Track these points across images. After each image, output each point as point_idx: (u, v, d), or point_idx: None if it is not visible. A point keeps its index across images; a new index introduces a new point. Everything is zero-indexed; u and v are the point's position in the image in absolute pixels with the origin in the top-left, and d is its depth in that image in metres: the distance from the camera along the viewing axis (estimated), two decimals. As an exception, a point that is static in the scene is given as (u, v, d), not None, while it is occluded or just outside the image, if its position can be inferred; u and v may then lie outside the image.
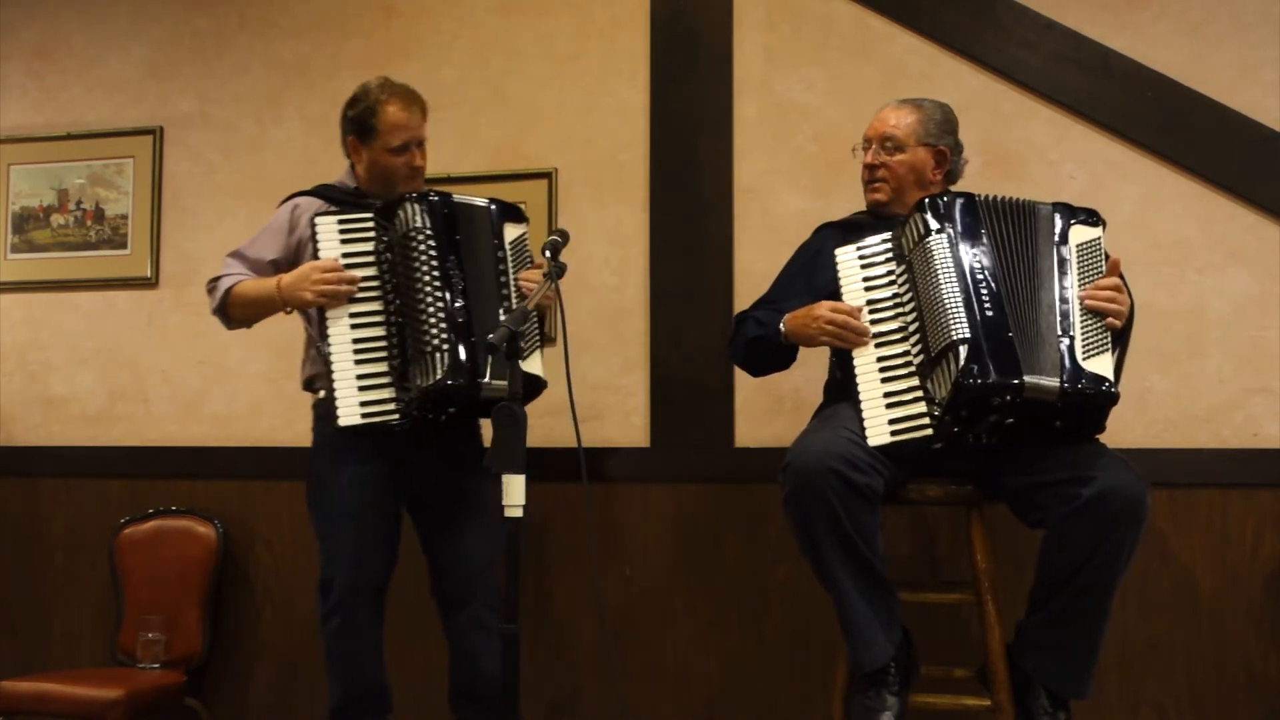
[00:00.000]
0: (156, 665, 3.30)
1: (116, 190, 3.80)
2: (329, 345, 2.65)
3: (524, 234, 2.81)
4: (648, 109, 3.42)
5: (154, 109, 3.80)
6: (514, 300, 2.71)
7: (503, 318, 2.68)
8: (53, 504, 3.71)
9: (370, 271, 2.68)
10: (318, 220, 2.71)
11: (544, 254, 2.48)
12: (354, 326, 2.66)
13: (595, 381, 3.36)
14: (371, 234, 2.69)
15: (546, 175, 3.46)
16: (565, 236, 2.59)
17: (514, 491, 2.14)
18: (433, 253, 2.63)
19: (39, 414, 3.80)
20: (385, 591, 2.80)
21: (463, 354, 2.58)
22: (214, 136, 3.74)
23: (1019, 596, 2.54)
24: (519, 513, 2.14)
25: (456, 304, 2.62)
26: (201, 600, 3.43)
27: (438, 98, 3.53)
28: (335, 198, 2.84)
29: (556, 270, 2.46)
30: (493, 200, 2.81)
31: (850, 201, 2.98)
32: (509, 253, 2.75)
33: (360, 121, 2.80)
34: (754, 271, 3.22)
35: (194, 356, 3.68)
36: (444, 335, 2.58)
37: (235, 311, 2.82)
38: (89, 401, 3.76)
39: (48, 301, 3.83)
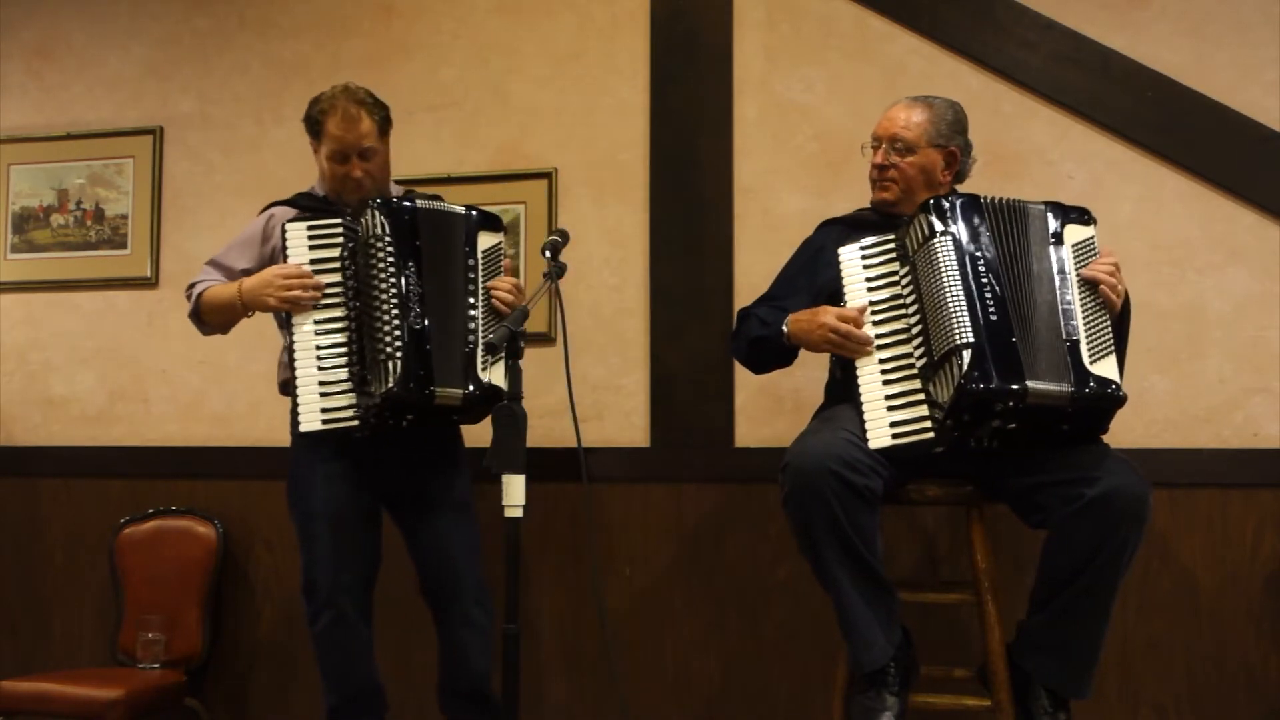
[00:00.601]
0: (156, 665, 3.30)
1: (116, 190, 3.80)
2: (293, 350, 2.67)
3: (499, 243, 2.79)
4: (648, 109, 3.42)
5: (154, 109, 3.80)
6: (480, 307, 2.70)
7: (475, 319, 2.68)
8: (53, 504, 3.71)
9: (336, 277, 2.68)
10: (288, 226, 2.72)
11: (544, 254, 2.49)
12: (317, 333, 2.67)
13: (595, 381, 3.36)
14: (339, 240, 2.69)
15: (546, 175, 3.46)
16: (565, 236, 2.60)
17: (514, 491, 2.14)
18: (390, 259, 2.63)
19: (39, 414, 3.80)
20: (371, 589, 2.80)
21: (415, 362, 2.58)
22: (214, 136, 3.74)
23: (1019, 596, 2.54)
24: (519, 513, 2.15)
25: (413, 311, 2.61)
26: (201, 600, 3.43)
27: (438, 98, 3.57)
28: (309, 206, 2.86)
29: (556, 270, 2.46)
30: (470, 207, 2.80)
31: (850, 201, 2.98)
32: (480, 261, 2.74)
33: (310, 123, 2.83)
34: (754, 271, 3.22)
35: (194, 356, 3.68)
36: (397, 343, 2.58)
37: (206, 317, 2.86)
38: (89, 401, 3.76)
39: (48, 301, 3.82)
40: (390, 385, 2.56)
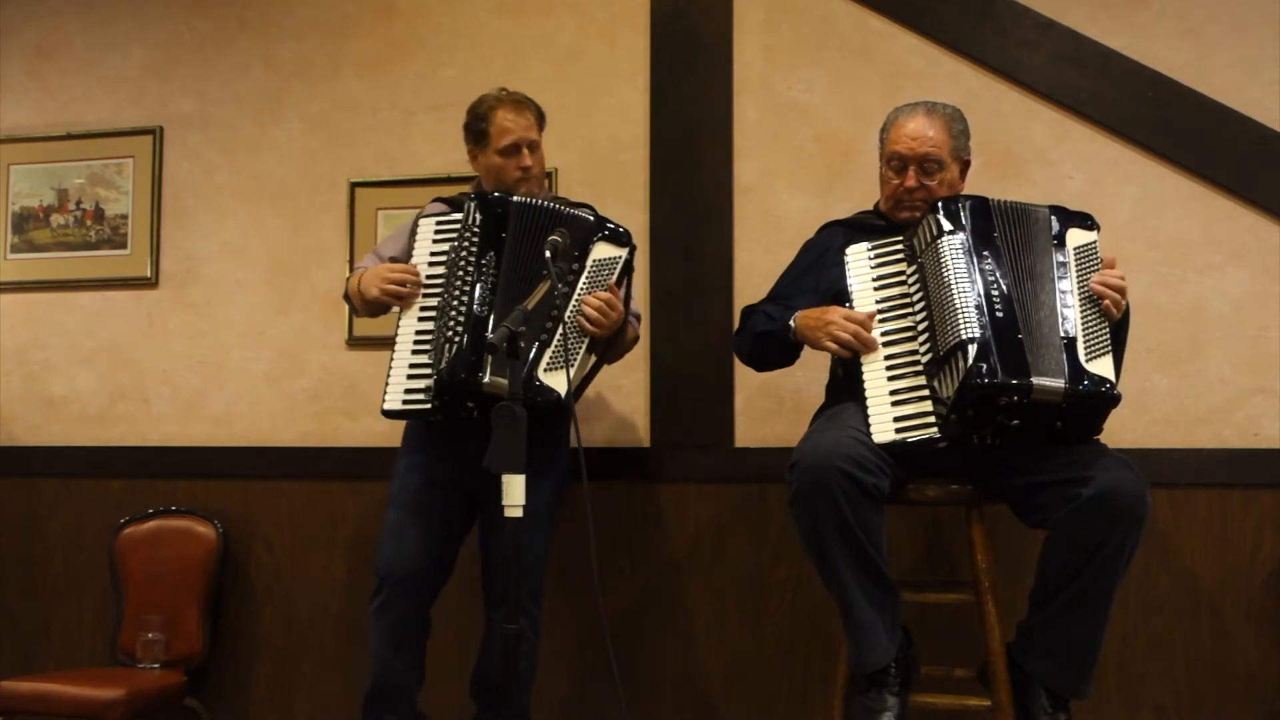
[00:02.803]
0: (156, 665, 3.30)
1: (116, 190, 3.80)
2: (396, 335, 2.74)
3: (617, 257, 2.74)
4: (648, 109, 3.42)
5: (154, 109, 3.80)
6: (567, 314, 2.65)
7: (557, 320, 2.67)
8: (53, 504, 3.71)
9: (441, 269, 2.74)
10: (420, 220, 2.82)
11: (544, 254, 2.48)
12: (420, 319, 2.73)
13: (595, 381, 3.36)
14: (455, 235, 2.75)
15: (547, 175, 3.45)
16: (565, 236, 2.59)
17: (514, 491, 2.14)
18: (474, 248, 2.69)
19: (39, 414, 3.80)
20: (430, 589, 2.83)
21: (468, 349, 2.60)
22: (214, 136, 3.74)
23: (1019, 596, 2.54)
24: (519, 513, 2.15)
25: (481, 299, 2.65)
26: (201, 600, 3.43)
27: (438, 98, 3.57)
28: (453, 201, 2.91)
29: (557, 270, 2.46)
30: (598, 216, 2.79)
31: (850, 201, 2.98)
32: (588, 268, 2.72)
33: (473, 128, 2.91)
34: (754, 271, 3.23)
35: (194, 356, 3.68)
36: (460, 328, 2.63)
37: (352, 299, 2.93)
38: (89, 401, 3.76)
39: (48, 301, 3.82)
40: (442, 368, 2.60)
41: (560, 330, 2.63)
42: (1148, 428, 3.06)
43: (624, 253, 2.77)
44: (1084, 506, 2.31)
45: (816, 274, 2.75)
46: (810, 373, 3.00)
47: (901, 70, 3.27)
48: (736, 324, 2.90)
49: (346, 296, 2.97)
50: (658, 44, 3.42)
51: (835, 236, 2.77)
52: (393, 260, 2.90)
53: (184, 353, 3.69)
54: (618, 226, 2.79)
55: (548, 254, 2.45)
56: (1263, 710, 2.92)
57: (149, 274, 3.74)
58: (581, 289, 2.70)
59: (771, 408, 3.26)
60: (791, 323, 2.63)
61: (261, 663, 3.51)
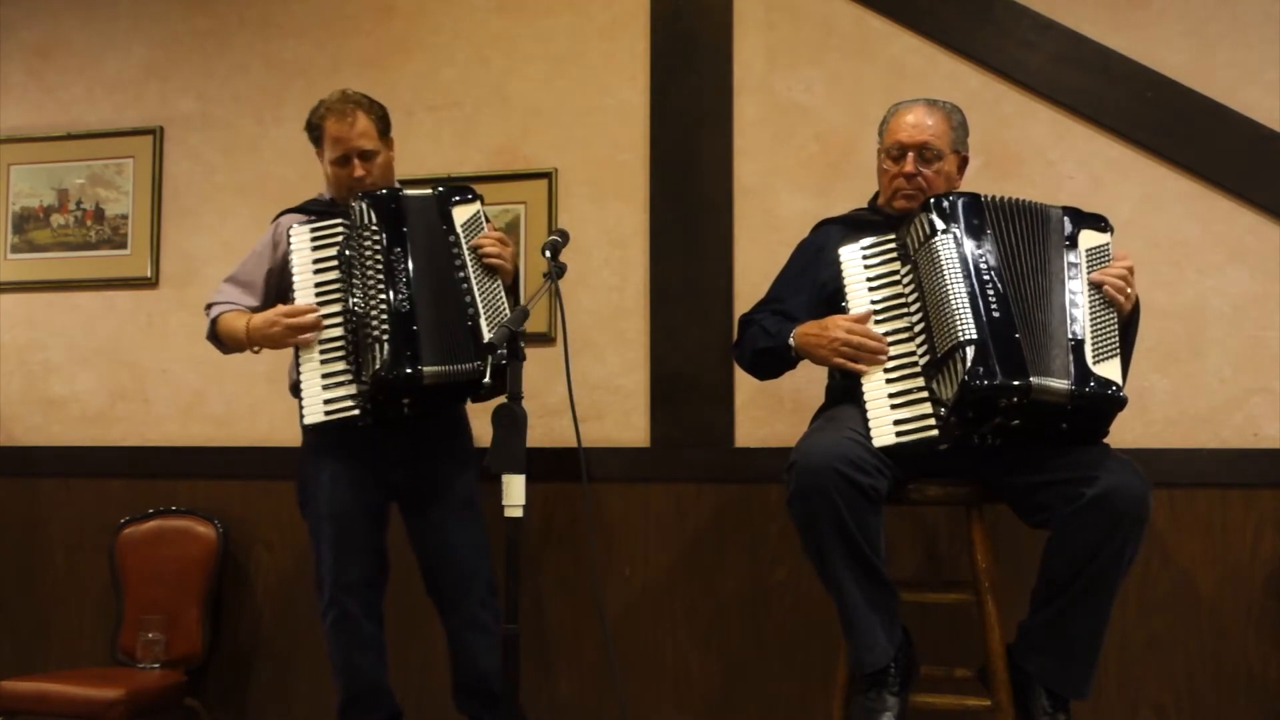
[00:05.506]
0: (156, 665, 3.30)
1: (116, 190, 3.80)
2: (298, 349, 2.73)
3: (476, 212, 2.82)
4: (648, 109, 3.42)
5: (154, 109, 3.80)
6: (474, 280, 2.73)
7: (470, 291, 2.71)
8: (53, 504, 3.71)
9: (335, 274, 2.74)
10: (293, 231, 2.79)
11: (544, 254, 2.50)
12: (324, 328, 2.73)
13: (595, 381, 3.36)
14: (339, 239, 2.75)
15: (546, 175, 3.46)
16: (565, 236, 2.61)
17: (514, 491, 2.14)
18: (379, 247, 2.69)
19: (39, 414, 3.80)
20: (377, 589, 2.84)
21: (401, 344, 2.61)
22: (214, 136, 3.74)
23: (1019, 596, 2.54)
24: (519, 513, 2.15)
25: (400, 295, 2.66)
26: (201, 600, 3.43)
27: (438, 98, 3.57)
28: (315, 210, 2.92)
29: (556, 270, 2.46)
30: (438, 185, 2.86)
31: (850, 201, 2.98)
32: (461, 235, 2.78)
33: (311, 130, 2.90)
34: (754, 271, 3.23)
35: (194, 356, 3.67)
36: (384, 327, 2.63)
37: (224, 339, 2.91)
38: (89, 401, 3.76)
39: (48, 301, 3.82)
40: (377, 368, 2.61)
41: (480, 290, 2.72)
42: (1148, 428, 3.05)
43: (478, 205, 2.84)
44: (1086, 507, 2.31)
45: (813, 274, 2.74)
46: (810, 373, 2.99)
47: (901, 70, 3.27)
48: (735, 329, 2.90)
49: (214, 336, 2.90)
50: (657, 44, 3.42)
51: (830, 234, 2.77)
52: (269, 273, 2.90)
53: (184, 353, 3.69)
54: (457, 185, 2.88)
55: (548, 254, 2.48)
56: (1263, 710, 2.92)
57: (149, 274, 3.74)
58: (467, 249, 2.76)
59: (771, 408, 3.26)
60: (790, 340, 2.62)
61: (261, 663, 3.51)
